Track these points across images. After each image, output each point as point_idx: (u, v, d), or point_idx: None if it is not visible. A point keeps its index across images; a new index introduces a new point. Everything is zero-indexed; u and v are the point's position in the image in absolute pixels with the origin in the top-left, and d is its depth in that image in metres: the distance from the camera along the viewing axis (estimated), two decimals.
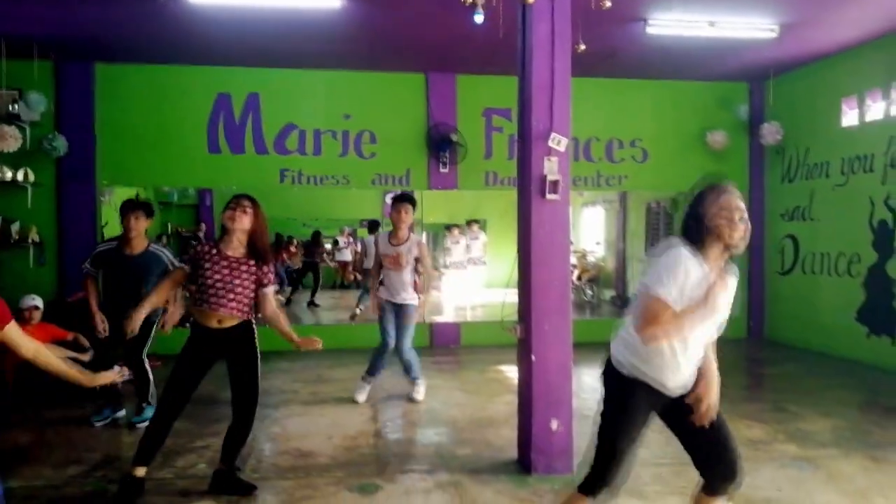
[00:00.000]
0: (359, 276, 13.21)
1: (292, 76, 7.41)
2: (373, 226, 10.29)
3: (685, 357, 2.31)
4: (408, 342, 5.24)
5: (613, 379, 2.42)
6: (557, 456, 3.67)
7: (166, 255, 4.59)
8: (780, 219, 7.89)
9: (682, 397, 2.39)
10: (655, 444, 4.18)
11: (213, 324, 3.29)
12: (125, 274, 4.48)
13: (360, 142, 7.55)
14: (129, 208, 4.50)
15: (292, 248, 12.45)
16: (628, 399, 2.38)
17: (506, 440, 4.25)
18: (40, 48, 6.51)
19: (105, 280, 4.64)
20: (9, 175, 6.68)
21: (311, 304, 11.36)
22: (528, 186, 3.64)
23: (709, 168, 7.95)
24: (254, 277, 3.33)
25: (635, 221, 11.37)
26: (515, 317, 3.86)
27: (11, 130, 6.37)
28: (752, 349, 7.48)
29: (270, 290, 3.41)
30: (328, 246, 13.59)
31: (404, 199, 5.22)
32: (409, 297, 5.21)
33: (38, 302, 5.45)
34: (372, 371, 5.31)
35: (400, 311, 5.23)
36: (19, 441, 4.32)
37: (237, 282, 3.27)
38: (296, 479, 3.62)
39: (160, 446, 3.38)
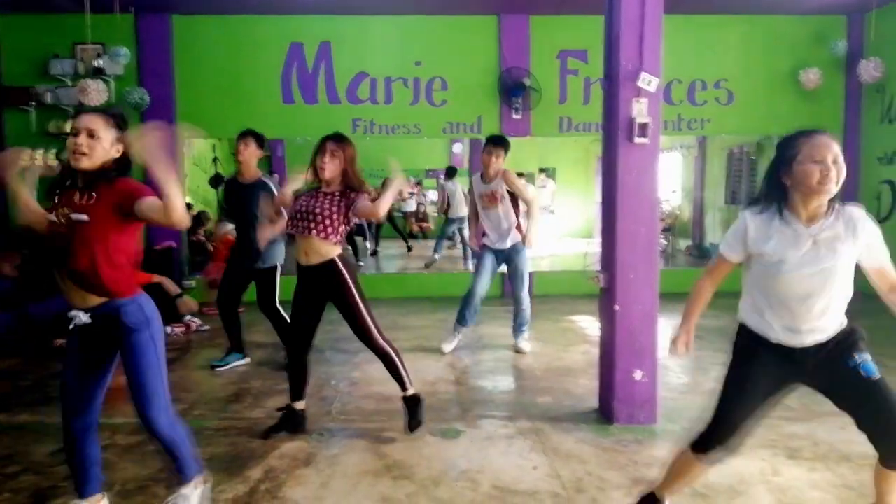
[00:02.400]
0: (423, 226, 13.33)
1: (363, 23, 7.32)
2: (450, 172, 10.16)
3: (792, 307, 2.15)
4: (524, 289, 5.13)
5: (738, 334, 2.34)
6: (640, 406, 3.61)
7: (274, 184, 4.66)
8: (878, 163, 7.37)
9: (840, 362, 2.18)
10: None
11: (302, 258, 3.38)
12: (238, 201, 4.66)
13: (430, 89, 7.45)
14: (240, 136, 4.68)
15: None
16: (741, 353, 2.30)
17: (585, 389, 4.22)
18: (121, 1, 6.64)
19: (230, 210, 4.96)
20: None
21: (374, 253, 11.43)
22: (616, 130, 3.49)
23: (800, 109, 7.51)
24: (342, 204, 3.34)
25: (716, 168, 10.89)
26: (597, 266, 3.76)
27: (95, 84, 6.57)
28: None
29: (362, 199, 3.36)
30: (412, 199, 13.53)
31: (496, 142, 5.04)
32: (516, 239, 5.07)
33: None
34: (462, 321, 5.25)
35: (509, 256, 5.09)
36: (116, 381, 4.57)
37: (318, 209, 3.31)
38: (380, 422, 3.71)
39: (304, 381, 3.57)
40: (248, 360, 4.93)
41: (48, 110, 7.02)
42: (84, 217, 2.26)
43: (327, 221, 3.30)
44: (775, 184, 2.16)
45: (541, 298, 7.63)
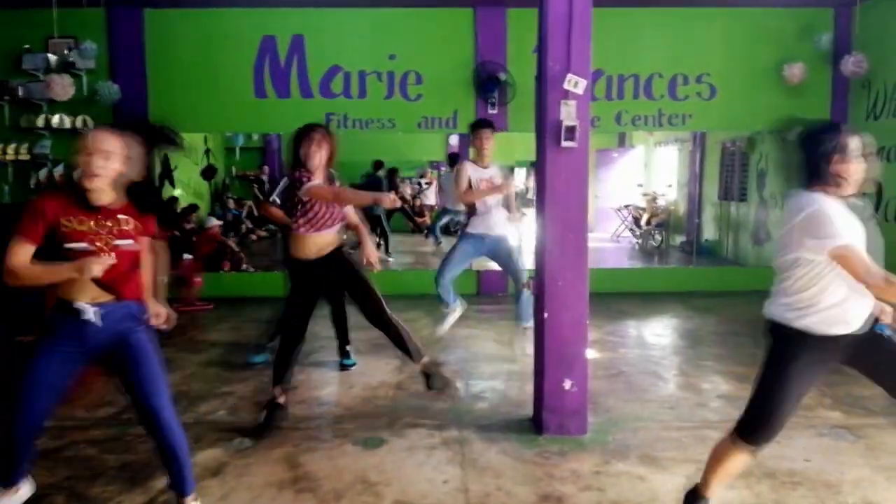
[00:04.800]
0: (419, 221, 13.16)
1: (336, 16, 7.21)
2: (453, 159, 9.98)
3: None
4: (524, 274, 5.02)
5: (775, 332, 2.40)
6: (570, 416, 3.53)
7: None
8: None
9: (867, 339, 2.32)
10: (685, 406, 4.00)
11: (312, 253, 3.51)
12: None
13: (405, 83, 7.33)
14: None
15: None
16: (790, 352, 2.35)
17: (528, 396, 4.12)
18: None
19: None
20: (67, 122, 6.93)
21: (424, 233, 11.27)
22: (544, 133, 3.39)
23: (784, 105, 7.29)
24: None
25: (712, 163, 10.68)
26: None
27: (60, 79, 6.55)
28: None
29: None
30: (407, 189, 13.34)
31: (483, 124, 5.01)
32: (506, 230, 5.04)
33: None
34: (448, 301, 5.11)
35: (499, 247, 5.01)
36: None
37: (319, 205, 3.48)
38: (306, 429, 3.66)
39: (289, 367, 3.70)
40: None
41: (21, 105, 7.02)
42: (133, 244, 2.38)
43: (335, 212, 3.50)
44: (820, 173, 2.26)
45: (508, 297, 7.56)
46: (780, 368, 2.35)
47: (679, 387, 4.41)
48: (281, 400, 3.69)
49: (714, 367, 4.81)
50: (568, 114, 3.32)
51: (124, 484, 2.98)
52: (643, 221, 11.84)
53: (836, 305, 2.26)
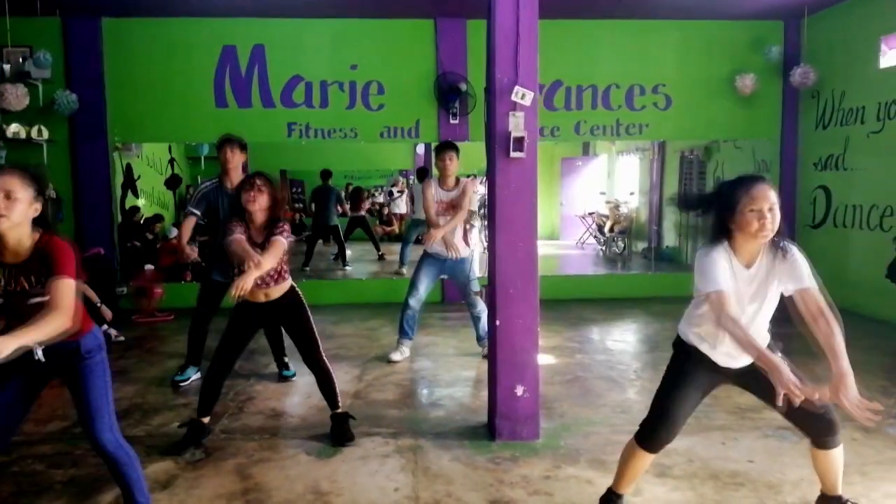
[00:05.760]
0: (387, 230, 13.15)
1: (297, 25, 7.24)
2: (421, 174, 9.94)
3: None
4: (478, 298, 5.11)
5: (676, 345, 2.62)
6: (523, 422, 3.58)
7: None
8: (813, 168, 7.39)
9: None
10: (637, 409, 4.08)
11: (261, 298, 3.50)
12: (226, 210, 4.33)
13: (367, 93, 7.38)
14: (225, 142, 4.49)
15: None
16: (682, 363, 2.55)
17: (484, 403, 4.16)
18: (44, 4, 6.51)
19: (210, 220, 4.54)
20: (23, 133, 6.81)
21: (381, 258, 11.08)
22: (493, 144, 3.45)
23: (737, 115, 7.54)
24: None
25: (671, 171, 10.90)
26: None
27: (14, 89, 6.46)
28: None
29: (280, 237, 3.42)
30: (379, 198, 13.33)
31: (448, 146, 5.11)
32: (465, 250, 5.12)
33: None
34: (404, 334, 5.22)
35: (456, 267, 5.11)
36: None
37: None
38: (260, 440, 3.65)
39: (216, 399, 3.60)
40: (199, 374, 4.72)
41: None
42: (43, 299, 2.22)
43: (283, 265, 3.51)
44: (721, 227, 2.36)
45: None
46: (671, 373, 2.60)
47: (633, 391, 4.50)
48: (204, 420, 3.59)
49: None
50: (516, 125, 3.39)
51: (71, 499, 2.95)
52: (606, 228, 12.02)
53: (705, 340, 2.48)
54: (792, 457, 3.38)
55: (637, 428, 2.63)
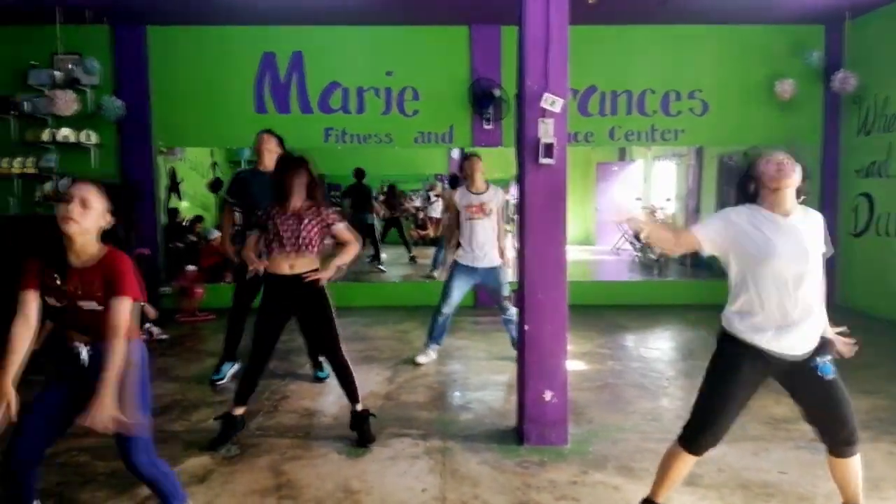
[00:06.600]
0: (422, 234, 13.25)
1: (335, 33, 7.38)
2: (453, 181, 9.91)
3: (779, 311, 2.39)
4: (510, 306, 5.13)
5: (721, 339, 2.58)
6: (551, 426, 3.60)
7: None
8: (856, 175, 7.22)
9: (805, 364, 2.45)
10: (668, 418, 4.06)
11: (286, 270, 3.56)
12: (262, 191, 4.31)
13: (402, 99, 7.47)
14: (262, 131, 4.78)
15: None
16: (729, 357, 2.51)
17: (513, 407, 4.19)
18: (94, 13, 6.76)
19: (242, 202, 4.65)
20: (72, 137, 7.08)
21: (412, 259, 11.28)
22: (523, 150, 3.49)
23: (776, 120, 7.41)
24: (318, 220, 3.58)
25: (709, 177, 10.76)
26: None
27: (63, 94, 6.71)
28: None
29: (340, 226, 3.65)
30: (417, 201, 13.48)
31: (468, 156, 5.35)
32: (496, 259, 5.17)
33: None
34: (434, 340, 5.29)
35: (487, 276, 5.16)
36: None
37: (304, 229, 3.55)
38: (293, 438, 3.74)
39: (254, 389, 3.71)
40: (238, 365, 4.83)
41: (27, 119, 7.19)
42: (96, 306, 2.34)
43: (315, 242, 3.61)
44: (745, 191, 2.51)
45: None
46: (714, 373, 2.57)
47: (665, 400, 4.47)
48: (237, 412, 3.67)
49: (700, 380, 4.85)
50: (546, 132, 3.42)
51: (112, 490, 3.08)
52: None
53: (751, 312, 2.45)
54: (825, 469, 3.29)
55: (679, 431, 2.58)
